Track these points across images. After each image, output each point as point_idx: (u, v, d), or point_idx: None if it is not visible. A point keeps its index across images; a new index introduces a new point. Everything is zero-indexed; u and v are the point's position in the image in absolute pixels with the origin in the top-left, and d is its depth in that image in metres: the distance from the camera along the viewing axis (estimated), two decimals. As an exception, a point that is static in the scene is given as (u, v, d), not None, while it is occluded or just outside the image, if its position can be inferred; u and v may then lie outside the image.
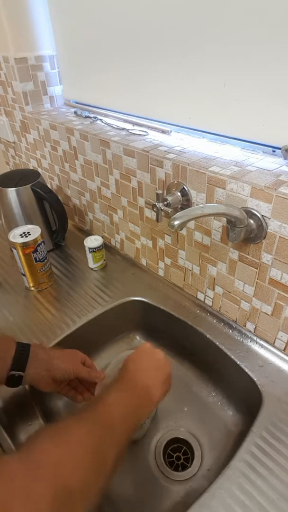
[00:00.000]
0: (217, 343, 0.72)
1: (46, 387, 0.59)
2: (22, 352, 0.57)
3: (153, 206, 0.69)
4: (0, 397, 0.64)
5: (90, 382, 0.65)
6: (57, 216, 0.96)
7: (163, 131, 0.82)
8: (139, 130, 0.84)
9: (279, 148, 0.64)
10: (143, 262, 0.94)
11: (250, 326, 0.73)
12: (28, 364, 0.56)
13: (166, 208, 0.68)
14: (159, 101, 0.80)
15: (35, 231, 0.83)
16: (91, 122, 0.93)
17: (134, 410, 0.50)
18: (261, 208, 0.58)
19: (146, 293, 0.85)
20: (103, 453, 0.42)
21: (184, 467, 0.66)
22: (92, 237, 0.92)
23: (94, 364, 0.66)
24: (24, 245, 0.81)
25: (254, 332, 0.73)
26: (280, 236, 0.58)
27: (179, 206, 0.71)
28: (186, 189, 0.68)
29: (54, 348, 0.64)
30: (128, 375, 0.54)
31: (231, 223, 0.59)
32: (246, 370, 0.66)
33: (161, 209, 0.68)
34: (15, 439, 0.58)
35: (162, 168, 0.71)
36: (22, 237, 0.81)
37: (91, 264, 0.94)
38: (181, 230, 0.58)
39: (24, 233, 0.82)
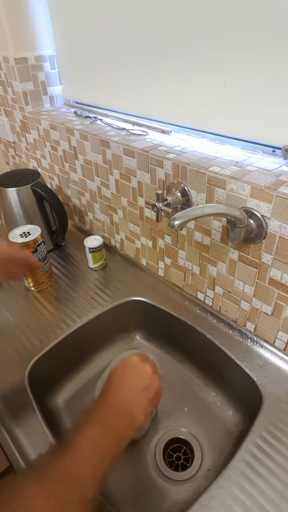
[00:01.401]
0: (217, 343, 0.72)
1: None
2: None
3: (153, 206, 0.69)
4: (0, 396, 0.64)
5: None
6: (57, 216, 0.96)
7: (163, 131, 0.82)
8: (139, 130, 0.84)
9: (279, 148, 0.64)
10: (143, 262, 0.94)
11: (250, 326, 0.73)
12: None
13: (166, 208, 0.68)
14: (159, 101, 0.80)
15: (35, 231, 0.83)
16: (91, 122, 0.93)
17: (111, 446, 0.45)
18: (261, 208, 0.58)
19: (146, 293, 0.85)
20: None
21: (184, 467, 0.66)
22: (92, 237, 0.92)
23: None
24: (24, 245, 0.81)
25: (254, 332, 0.73)
26: (280, 236, 0.58)
27: (179, 206, 0.71)
28: (186, 189, 0.68)
29: None
30: (108, 396, 0.50)
31: (231, 223, 0.59)
32: (246, 370, 0.66)
33: (161, 209, 0.68)
34: (15, 439, 0.58)
35: (162, 168, 0.71)
36: (22, 237, 0.81)
37: (91, 264, 0.94)
38: (181, 230, 0.58)
39: (24, 233, 0.82)
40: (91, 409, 0.48)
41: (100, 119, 0.94)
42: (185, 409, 0.74)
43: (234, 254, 0.67)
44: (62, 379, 0.79)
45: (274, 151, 0.66)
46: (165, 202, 0.68)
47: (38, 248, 0.83)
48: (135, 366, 0.54)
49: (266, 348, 0.70)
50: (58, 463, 0.41)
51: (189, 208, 0.56)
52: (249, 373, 0.66)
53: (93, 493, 0.40)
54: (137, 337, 0.90)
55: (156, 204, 0.68)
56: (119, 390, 0.51)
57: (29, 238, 0.80)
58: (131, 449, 0.68)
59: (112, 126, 0.89)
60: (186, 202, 0.69)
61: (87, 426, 0.45)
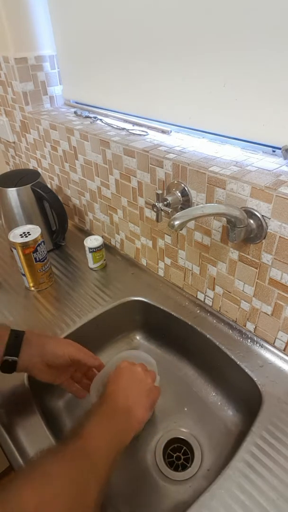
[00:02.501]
0: (217, 343, 0.72)
1: (41, 375, 0.59)
2: (16, 338, 0.57)
3: (153, 206, 0.69)
4: (1, 397, 0.64)
5: (91, 374, 0.65)
6: (57, 216, 0.96)
7: (163, 131, 0.82)
8: (139, 130, 0.84)
9: (279, 148, 0.64)
10: (143, 262, 0.94)
11: (250, 326, 0.73)
12: (21, 350, 0.56)
13: (166, 208, 0.68)
14: (159, 101, 0.80)
15: (35, 231, 0.83)
16: (91, 122, 0.93)
17: (115, 438, 0.48)
18: (261, 208, 0.58)
19: (146, 293, 0.85)
20: (85, 491, 0.41)
21: (184, 467, 0.66)
22: (92, 237, 0.92)
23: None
24: (24, 245, 0.81)
25: (254, 332, 0.73)
26: (280, 236, 0.58)
27: (179, 206, 0.71)
28: (186, 189, 0.68)
29: (49, 335, 0.64)
30: (107, 398, 0.53)
31: (231, 223, 0.59)
32: (246, 370, 0.66)
33: (161, 209, 0.68)
34: (15, 439, 0.58)
35: (162, 168, 0.71)
36: (22, 237, 0.81)
37: (91, 264, 0.94)
38: (181, 230, 0.58)
39: (24, 233, 0.82)
40: (92, 409, 0.51)
41: (100, 119, 0.94)
42: (185, 409, 0.74)
43: (234, 254, 0.67)
44: (62, 379, 0.79)
45: (274, 151, 0.66)
46: (165, 202, 0.68)
47: (38, 248, 0.83)
48: (126, 369, 0.58)
49: (266, 348, 0.70)
50: (71, 445, 0.44)
51: (189, 208, 0.56)
52: (249, 373, 0.66)
53: (106, 473, 0.43)
54: (137, 337, 0.90)
55: (156, 204, 0.68)
56: (116, 394, 0.54)
57: (29, 238, 0.80)
58: (131, 448, 0.68)
59: (112, 126, 0.89)
60: (186, 202, 0.69)
61: (93, 419, 0.48)
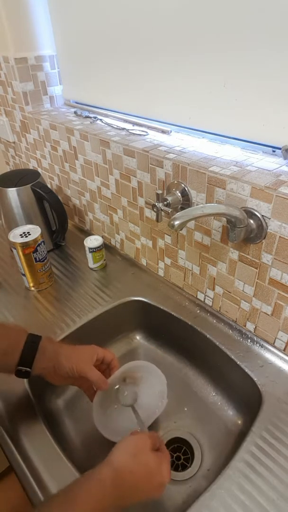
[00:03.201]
0: (217, 343, 0.72)
1: (55, 382, 0.59)
2: (31, 346, 0.57)
3: (153, 206, 0.69)
4: (1, 397, 0.64)
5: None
6: (57, 216, 0.96)
7: (163, 131, 0.82)
8: (139, 130, 0.84)
9: (279, 148, 0.64)
10: (143, 262, 0.94)
11: (250, 326, 0.73)
12: (35, 359, 0.56)
13: (166, 208, 0.68)
14: (159, 101, 0.80)
15: (35, 231, 0.83)
16: (91, 122, 0.93)
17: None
18: (261, 208, 0.58)
19: (146, 293, 0.85)
20: None
21: (184, 467, 0.66)
22: (92, 237, 0.92)
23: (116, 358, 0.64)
24: (24, 245, 0.81)
25: (254, 332, 0.73)
26: (280, 236, 0.58)
27: (179, 206, 0.71)
28: (186, 189, 0.68)
29: (66, 344, 0.62)
30: (114, 482, 0.45)
31: (231, 223, 0.59)
32: (246, 370, 0.66)
33: (161, 209, 0.68)
34: (15, 440, 0.58)
35: (162, 168, 0.71)
36: (22, 237, 0.81)
37: (91, 264, 0.94)
38: (181, 230, 0.58)
39: (24, 233, 0.82)
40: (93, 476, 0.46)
41: (100, 119, 0.94)
42: (185, 409, 0.74)
43: (234, 254, 0.67)
44: (62, 379, 0.79)
45: (274, 151, 0.66)
46: (165, 202, 0.68)
47: (38, 248, 0.83)
48: (141, 458, 0.49)
49: (266, 348, 0.70)
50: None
51: (189, 208, 0.56)
52: (249, 373, 0.66)
53: None
54: (137, 337, 0.90)
55: (156, 204, 0.68)
56: (124, 486, 0.46)
57: (29, 238, 0.80)
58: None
59: (112, 126, 0.89)
60: (186, 202, 0.69)
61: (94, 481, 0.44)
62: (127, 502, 0.47)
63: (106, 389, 0.60)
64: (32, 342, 0.57)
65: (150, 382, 0.67)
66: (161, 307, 0.81)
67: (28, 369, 0.56)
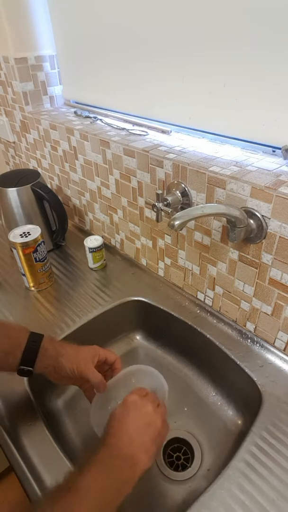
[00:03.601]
0: (217, 343, 0.72)
1: (56, 381, 0.60)
2: (32, 346, 0.57)
3: (153, 206, 0.69)
4: (1, 397, 0.64)
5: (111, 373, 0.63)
6: (57, 216, 0.96)
7: (163, 131, 0.82)
8: (139, 130, 0.84)
9: (279, 148, 0.64)
10: (143, 262, 0.94)
11: (250, 326, 0.73)
12: (37, 359, 0.56)
13: (166, 208, 0.68)
14: (159, 101, 0.80)
15: (35, 231, 0.83)
16: (91, 122, 0.93)
17: (113, 490, 0.44)
18: (261, 208, 0.58)
19: (146, 293, 0.85)
20: None
21: (184, 467, 0.66)
22: (92, 237, 0.92)
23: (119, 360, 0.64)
24: (24, 245, 0.81)
25: (254, 332, 0.73)
26: (280, 236, 0.58)
27: (179, 206, 0.71)
28: (186, 189, 0.68)
29: (68, 343, 0.61)
30: (109, 441, 0.48)
31: (231, 223, 0.59)
32: (246, 370, 0.66)
33: (161, 209, 0.68)
34: (15, 440, 0.58)
35: (162, 168, 0.71)
36: (22, 237, 0.81)
37: (91, 264, 0.94)
38: (181, 230, 0.58)
39: (24, 233, 0.82)
40: (93, 452, 0.47)
41: (100, 119, 0.94)
42: (185, 409, 0.74)
43: (234, 254, 0.67)
44: (62, 379, 0.79)
45: (274, 151, 0.66)
46: (165, 202, 0.68)
47: (38, 248, 0.83)
48: (135, 407, 0.52)
49: (266, 348, 0.70)
50: (61, 502, 0.40)
51: (189, 208, 0.56)
52: (249, 373, 0.66)
53: None
54: (137, 337, 0.90)
55: (156, 204, 0.68)
56: (120, 435, 0.49)
57: (29, 238, 0.80)
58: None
59: (112, 126, 0.89)
60: (186, 202, 0.69)
61: (89, 470, 0.44)
62: (130, 451, 0.47)
63: (104, 392, 0.60)
64: (34, 341, 0.57)
65: (151, 388, 0.66)
66: (161, 307, 0.81)
67: (30, 368, 0.56)
